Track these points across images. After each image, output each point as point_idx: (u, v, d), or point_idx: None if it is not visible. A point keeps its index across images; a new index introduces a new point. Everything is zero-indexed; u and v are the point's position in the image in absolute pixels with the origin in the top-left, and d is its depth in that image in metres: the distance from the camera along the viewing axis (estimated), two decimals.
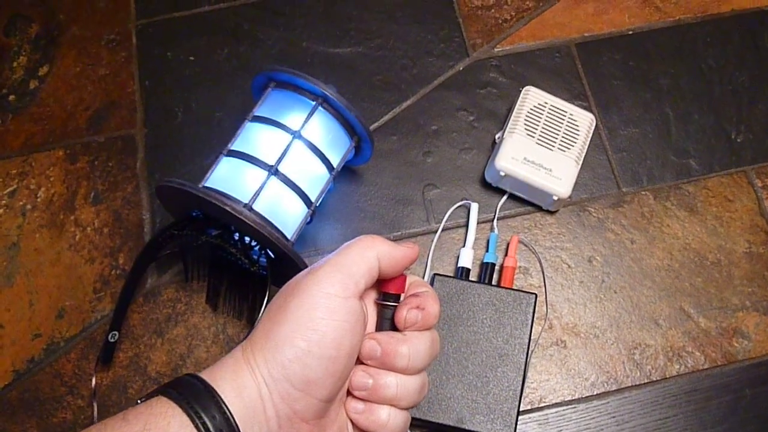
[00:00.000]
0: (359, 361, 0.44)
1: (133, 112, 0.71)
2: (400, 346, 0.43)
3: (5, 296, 0.64)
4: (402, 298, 0.45)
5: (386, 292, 0.45)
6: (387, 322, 0.44)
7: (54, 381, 0.62)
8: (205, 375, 0.40)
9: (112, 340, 0.60)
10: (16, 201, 0.67)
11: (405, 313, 0.43)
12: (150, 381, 0.61)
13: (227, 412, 0.38)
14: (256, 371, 0.40)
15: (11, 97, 0.71)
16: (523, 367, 0.59)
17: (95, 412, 0.60)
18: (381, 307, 0.45)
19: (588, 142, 0.66)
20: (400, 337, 0.43)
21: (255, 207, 0.55)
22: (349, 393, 0.44)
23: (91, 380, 0.61)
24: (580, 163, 0.66)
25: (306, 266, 0.56)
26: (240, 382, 0.39)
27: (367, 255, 0.43)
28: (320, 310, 0.40)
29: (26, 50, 0.73)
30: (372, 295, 0.46)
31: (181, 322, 0.63)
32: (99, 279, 0.65)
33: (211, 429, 0.37)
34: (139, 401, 0.39)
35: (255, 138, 0.58)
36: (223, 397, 0.38)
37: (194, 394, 0.38)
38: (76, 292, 0.64)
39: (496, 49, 0.74)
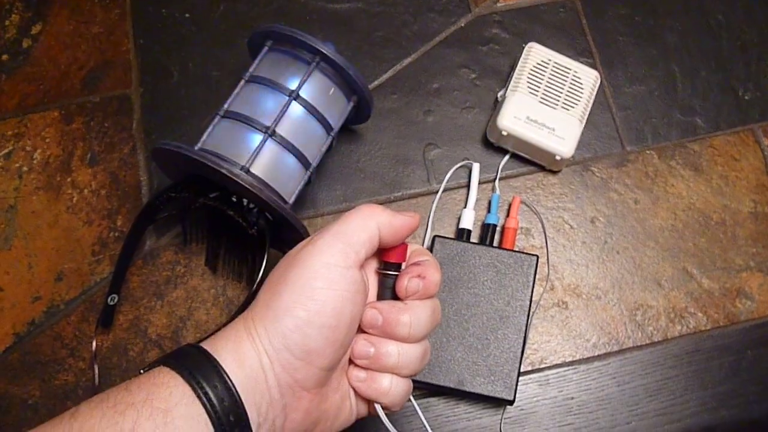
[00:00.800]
0: (361, 330, 0.44)
1: (128, 71, 0.69)
2: (402, 315, 0.42)
3: (4, 259, 0.64)
4: (403, 267, 0.45)
5: (387, 261, 0.44)
6: (388, 291, 0.44)
7: (55, 343, 0.62)
8: (206, 345, 0.40)
9: (112, 303, 0.60)
10: (12, 163, 0.66)
11: (406, 282, 0.43)
12: (150, 343, 0.61)
13: (228, 381, 0.38)
14: (257, 341, 0.40)
15: (4, 57, 0.70)
16: (524, 329, 0.58)
17: (96, 375, 0.60)
18: (382, 276, 0.45)
19: (592, 100, 0.65)
20: (401, 305, 0.43)
21: (252, 169, 0.54)
22: (351, 361, 0.44)
23: (91, 343, 0.61)
24: (584, 121, 0.64)
25: (304, 229, 0.56)
26: (241, 351, 0.39)
27: (368, 224, 0.42)
28: (320, 279, 0.40)
29: (18, 8, 0.71)
30: (373, 265, 0.46)
31: (181, 284, 0.63)
32: (97, 241, 0.64)
33: (213, 398, 0.37)
34: (141, 371, 0.39)
35: (251, 98, 0.57)
36: (224, 366, 0.38)
37: (196, 364, 0.38)
38: (74, 255, 0.64)
39: (498, 4, 0.72)
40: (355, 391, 0.44)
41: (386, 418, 0.43)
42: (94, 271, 0.63)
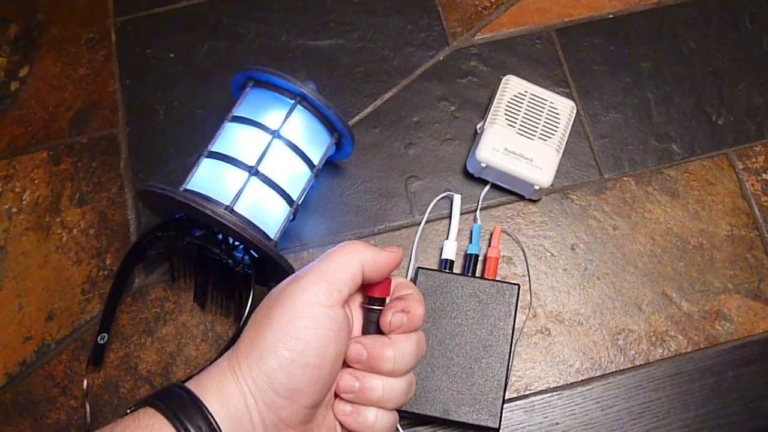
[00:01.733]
0: (346, 364, 0.44)
1: (115, 111, 0.71)
2: (386, 350, 0.43)
3: None
4: (387, 301, 0.46)
5: (371, 296, 0.45)
6: (372, 325, 0.45)
7: (47, 383, 0.62)
8: (191, 385, 0.41)
9: (102, 342, 0.61)
10: (1, 204, 0.67)
11: (390, 317, 0.44)
12: (141, 380, 0.62)
13: (213, 422, 0.39)
14: (241, 380, 0.40)
15: None
16: (507, 357, 0.59)
17: (88, 413, 0.61)
18: (366, 311, 0.45)
19: (569, 130, 0.67)
20: (385, 340, 0.44)
21: (236, 208, 0.56)
22: (336, 395, 0.45)
23: (82, 381, 0.62)
24: (562, 151, 0.66)
25: (289, 265, 0.57)
26: (225, 392, 0.40)
27: (351, 262, 0.43)
28: (303, 319, 0.41)
29: (5, 51, 0.73)
30: (357, 299, 0.46)
31: (170, 320, 0.64)
32: (87, 280, 0.65)
33: None
34: (128, 411, 0.40)
35: (235, 138, 0.59)
36: (208, 406, 0.39)
37: (180, 405, 0.39)
38: (64, 294, 0.65)
39: (476, 37, 0.74)
40: (341, 425, 0.45)
41: None
42: (84, 309, 0.64)
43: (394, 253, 0.45)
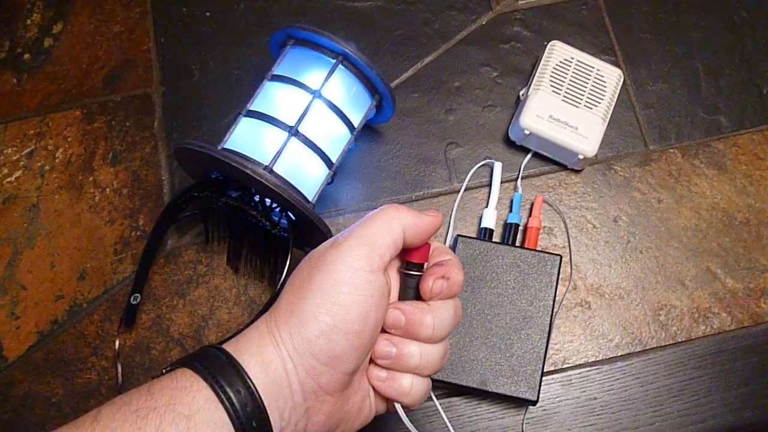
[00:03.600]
0: (382, 330, 0.43)
1: (149, 70, 0.69)
2: (425, 316, 0.42)
3: (27, 258, 0.64)
4: (425, 267, 0.44)
5: (410, 261, 0.44)
6: (411, 291, 0.44)
7: (78, 342, 0.62)
8: (229, 347, 0.40)
9: (134, 303, 0.60)
10: (34, 162, 0.67)
11: (431, 284, 0.43)
12: (173, 342, 0.62)
13: (252, 386, 0.38)
14: (281, 346, 0.39)
15: (26, 56, 0.70)
16: (547, 329, 0.58)
17: (119, 373, 0.60)
18: (404, 276, 0.44)
19: (615, 99, 0.65)
20: (424, 306, 0.43)
21: (275, 169, 0.54)
22: (371, 361, 0.44)
23: (114, 342, 0.61)
24: (607, 120, 0.64)
25: (327, 228, 0.56)
26: (265, 357, 0.39)
27: (392, 226, 0.42)
28: (345, 284, 0.40)
29: (39, 7, 0.72)
30: (395, 264, 0.45)
31: (203, 283, 0.63)
32: (119, 240, 0.64)
33: (236, 404, 0.37)
34: (163, 371, 0.39)
35: (274, 98, 0.57)
36: (247, 371, 0.38)
37: (219, 368, 0.38)
38: (96, 254, 0.64)
39: (520, 2, 0.71)
40: (376, 391, 0.44)
41: (407, 418, 0.43)
42: (116, 270, 0.64)
43: (434, 217, 0.44)
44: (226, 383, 0.37)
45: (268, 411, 0.38)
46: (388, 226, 0.42)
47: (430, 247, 0.45)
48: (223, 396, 0.37)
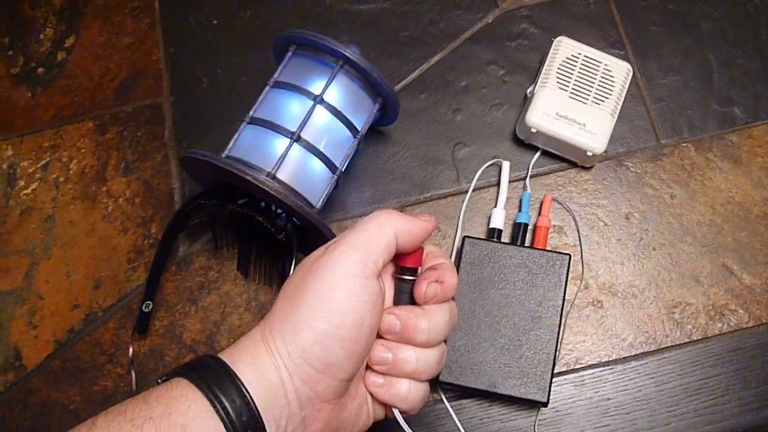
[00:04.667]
0: (378, 335, 0.43)
1: (159, 80, 0.70)
2: (420, 321, 0.42)
3: (43, 268, 0.65)
4: (419, 271, 0.44)
5: (404, 266, 0.44)
6: (405, 295, 0.44)
7: (94, 350, 0.63)
8: (224, 356, 0.40)
9: (146, 310, 0.61)
10: (49, 174, 0.68)
11: (425, 288, 0.43)
12: (186, 348, 0.62)
13: (247, 395, 0.38)
14: (276, 354, 0.39)
15: (40, 70, 0.71)
16: (557, 330, 0.57)
17: (134, 380, 0.61)
18: (399, 281, 0.44)
19: (624, 94, 0.64)
20: (419, 311, 0.43)
21: (278, 175, 0.55)
22: (368, 367, 0.44)
23: (128, 349, 0.62)
24: (616, 115, 0.63)
25: (332, 233, 0.56)
26: (260, 365, 0.39)
27: (385, 232, 0.42)
28: (340, 290, 0.40)
29: (52, 22, 0.73)
30: (388, 269, 0.45)
31: (214, 289, 0.64)
32: (133, 249, 0.65)
33: (231, 413, 0.37)
34: (159, 381, 0.40)
35: (276, 104, 0.57)
36: (243, 380, 0.38)
37: (214, 378, 0.38)
38: (111, 263, 0.65)
39: None
40: (373, 396, 0.44)
41: (405, 423, 0.43)
42: (130, 278, 0.65)
43: (428, 221, 0.44)
44: (222, 392, 0.38)
45: (264, 420, 0.38)
46: (381, 232, 0.42)
47: (424, 252, 0.45)
48: (218, 405, 0.37)
